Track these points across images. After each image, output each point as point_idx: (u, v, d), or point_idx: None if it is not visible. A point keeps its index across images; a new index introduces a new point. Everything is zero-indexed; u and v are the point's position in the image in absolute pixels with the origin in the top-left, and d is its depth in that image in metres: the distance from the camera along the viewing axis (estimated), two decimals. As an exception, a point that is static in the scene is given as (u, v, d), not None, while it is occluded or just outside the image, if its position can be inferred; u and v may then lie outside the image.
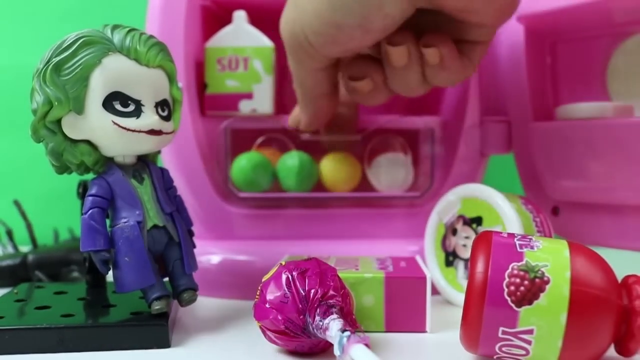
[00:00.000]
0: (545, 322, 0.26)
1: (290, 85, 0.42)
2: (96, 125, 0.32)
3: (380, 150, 0.47)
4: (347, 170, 0.46)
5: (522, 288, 0.27)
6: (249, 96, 0.45)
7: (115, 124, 0.32)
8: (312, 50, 0.36)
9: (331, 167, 0.46)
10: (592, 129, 0.41)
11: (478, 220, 0.39)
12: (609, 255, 0.30)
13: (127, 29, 0.33)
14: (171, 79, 0.35)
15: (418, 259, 0.40)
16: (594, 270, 0.27)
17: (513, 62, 0.48)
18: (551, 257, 0.27)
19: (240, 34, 0.45)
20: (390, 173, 0.47)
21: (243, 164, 0.44)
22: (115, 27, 0.33)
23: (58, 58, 0.31)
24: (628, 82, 0.44)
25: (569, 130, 0.43)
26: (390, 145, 0.48)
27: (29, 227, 0.54)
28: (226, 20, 0.46)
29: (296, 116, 0.44)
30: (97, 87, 0.31)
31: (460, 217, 0.41)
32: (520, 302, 0.26)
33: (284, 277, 0.30)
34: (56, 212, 0.65)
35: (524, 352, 0.27)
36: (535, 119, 0.47)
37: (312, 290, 0.29)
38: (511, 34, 0.47)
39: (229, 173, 0.45)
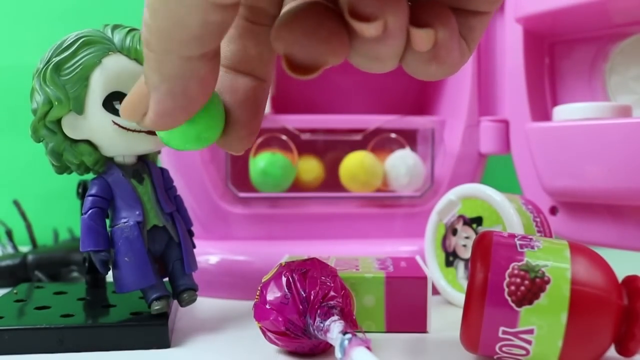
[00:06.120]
0: (545, 321, 0.26)
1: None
2: (96, 125, 0.32)
3: (388, 149, 0.47)
4: (366, 172, 0.46)
5: (522, 288, 0.27)
6: None
7: (115, 123, 0.32)
8: None
9: (350, 168, 0.45)
10: (590, 129, 0.41)
11: (478, 220, 0.39)
12: (609, 255, 0.30)
13: (128, 28, 0.33)
14: (171, 79, 0.35)
15: (418, 259, 0.40)
16: (595, 270, 0.27)
17: (512, 62, 0.48)
18: (552, 257, 0.27)
19: None
20: (407, 171, 0.46)
21: (264, 165, 0.45)
22: (115, 27, 0.33)
23: (58, 58, 0.31)
24: (626, 82, 0.44)
25: (567, 131, 0.43)
26: (396, 143, 0.48)
27: (29, 227, 0.54)
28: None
29: (136, 100, 0.22)
30: (97, 87, 0.31)
31: (461, 217, 0.41)
32: (520, 302, 0.26)
33: (284, 278, 0.30)
34: (56, 212, 0.65)
35: (524, 352, 0.27)
36: (534, 119, 0.47)
37: (313, 292, 0.29)
38: (510, 35, 0.48)
39: (229, 173, 0.45)
